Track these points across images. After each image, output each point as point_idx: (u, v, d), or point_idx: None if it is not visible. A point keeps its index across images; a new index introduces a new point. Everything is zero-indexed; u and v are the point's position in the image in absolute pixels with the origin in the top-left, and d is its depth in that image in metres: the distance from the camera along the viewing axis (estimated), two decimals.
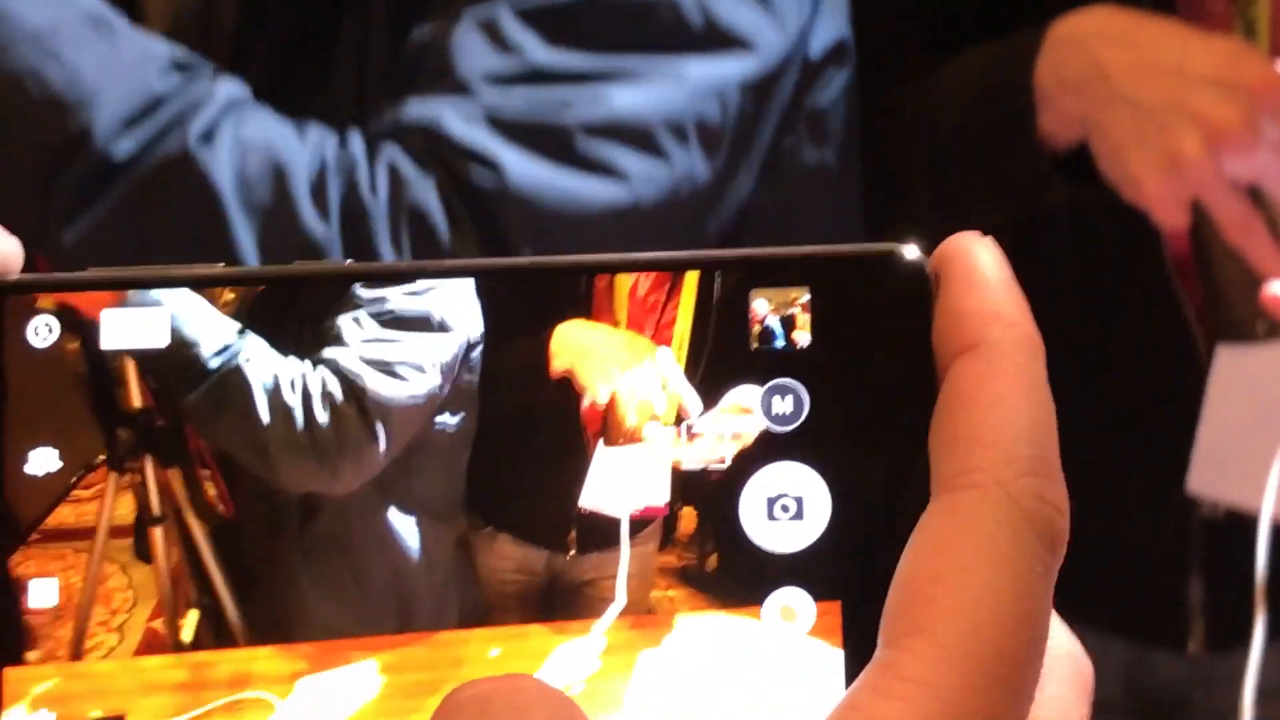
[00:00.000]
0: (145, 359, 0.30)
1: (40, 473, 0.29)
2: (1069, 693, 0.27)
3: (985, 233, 0.94)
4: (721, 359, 0.28)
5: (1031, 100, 0.97)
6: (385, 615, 0.30)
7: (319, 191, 0.86)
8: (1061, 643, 0.28)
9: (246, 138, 0.87)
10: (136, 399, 0.30)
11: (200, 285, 0.31)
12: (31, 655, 0.28)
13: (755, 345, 0.28)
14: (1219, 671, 1.12)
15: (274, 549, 0.30)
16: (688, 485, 0.29)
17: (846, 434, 0.28)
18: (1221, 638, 1.13)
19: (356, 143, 0.88)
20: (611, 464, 0.29)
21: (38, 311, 0.29)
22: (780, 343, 0.28)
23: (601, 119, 0.85)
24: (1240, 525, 1.05)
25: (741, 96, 0.91)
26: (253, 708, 0.28)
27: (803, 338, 0.28)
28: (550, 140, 0.85)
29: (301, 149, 0.88)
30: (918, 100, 1.09)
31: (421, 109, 0.86)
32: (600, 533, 0.29)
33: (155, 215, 0.86)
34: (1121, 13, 0.98)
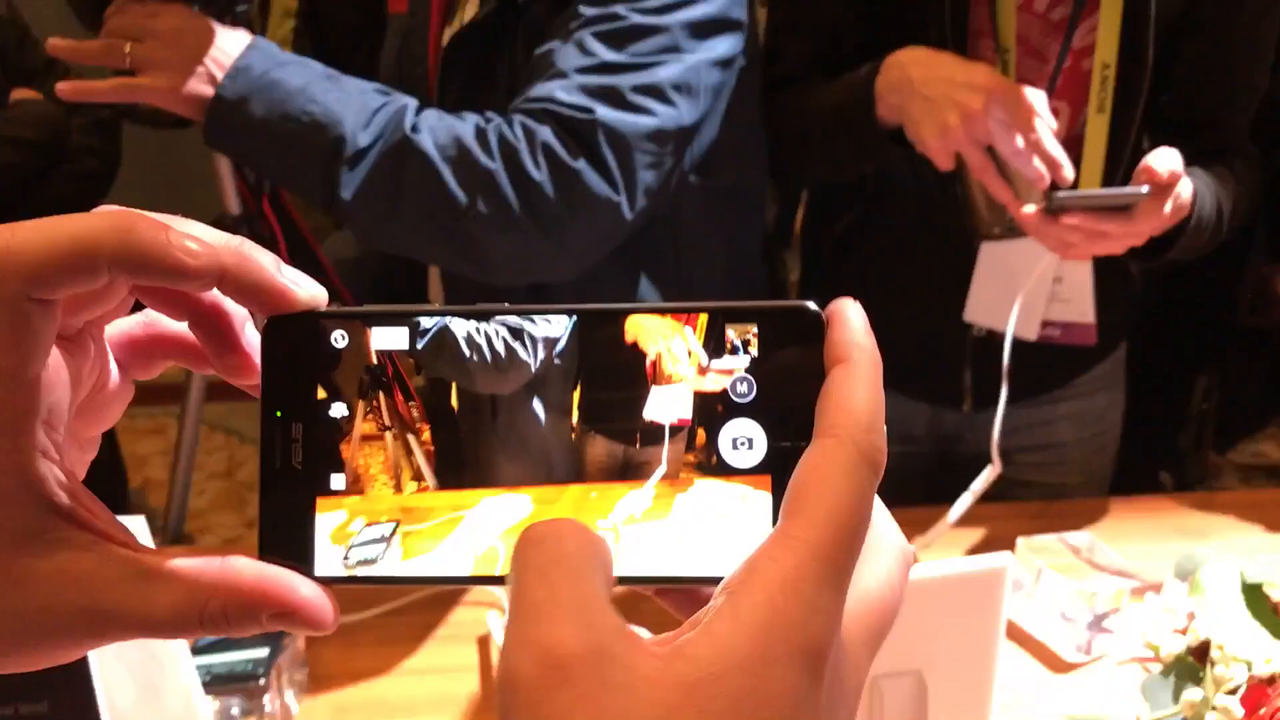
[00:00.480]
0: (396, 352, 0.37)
1: (338, 416, 0.37)
2: (894, 568, 0.35)
3: (849, 181, 1.39)
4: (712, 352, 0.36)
5: (873, 98, 1.29)
6: (536, 472, 0.37)
7: (483, 142, 1.14)
8: (894, 537, 0.36)
9: (433, 123, 1.15)
10: (372, 358, 0.37)
11: (435, 315, 0.37)
12: (340, 494, 0.37)
13: (727, 354, 0.36)
14: (980, 422, 1.50)
15: (478, 433, 0.37)
16: (700, 410, 0.36)
17: (778, 405, 0.35)
18: (982, 403, 1.50)
19: (495, 116, 1.16)
20: (660, 394, 0.36)
21: (337, 328, 0.37)
22: (741, 353, 0.36)
23: (641, 84, 1.16)
24: (994, 338, 1.40)
25: (717, 69, 1.22)
26: (455, 522, 0.37)
27: (755, 350, 0.36)
28: (616, 97, 1.16)
29: (465, 123, 1.16)
30: (812, 97, 1.40)
31: (541, 90, 1.16)
32: (656, 435, 0.36)
33: (394, 175, 1.14)
34: (926, 50, 1.28)
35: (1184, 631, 0.94)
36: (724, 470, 0.37)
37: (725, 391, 0.36)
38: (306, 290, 0.36)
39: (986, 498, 1.33)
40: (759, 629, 0.29)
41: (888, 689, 1.00)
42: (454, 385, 0.38)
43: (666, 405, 0.37)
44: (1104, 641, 1.19)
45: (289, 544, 0.37)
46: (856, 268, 1.55)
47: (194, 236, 0.33)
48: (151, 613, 0.34)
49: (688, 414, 0.36)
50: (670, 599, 0.37)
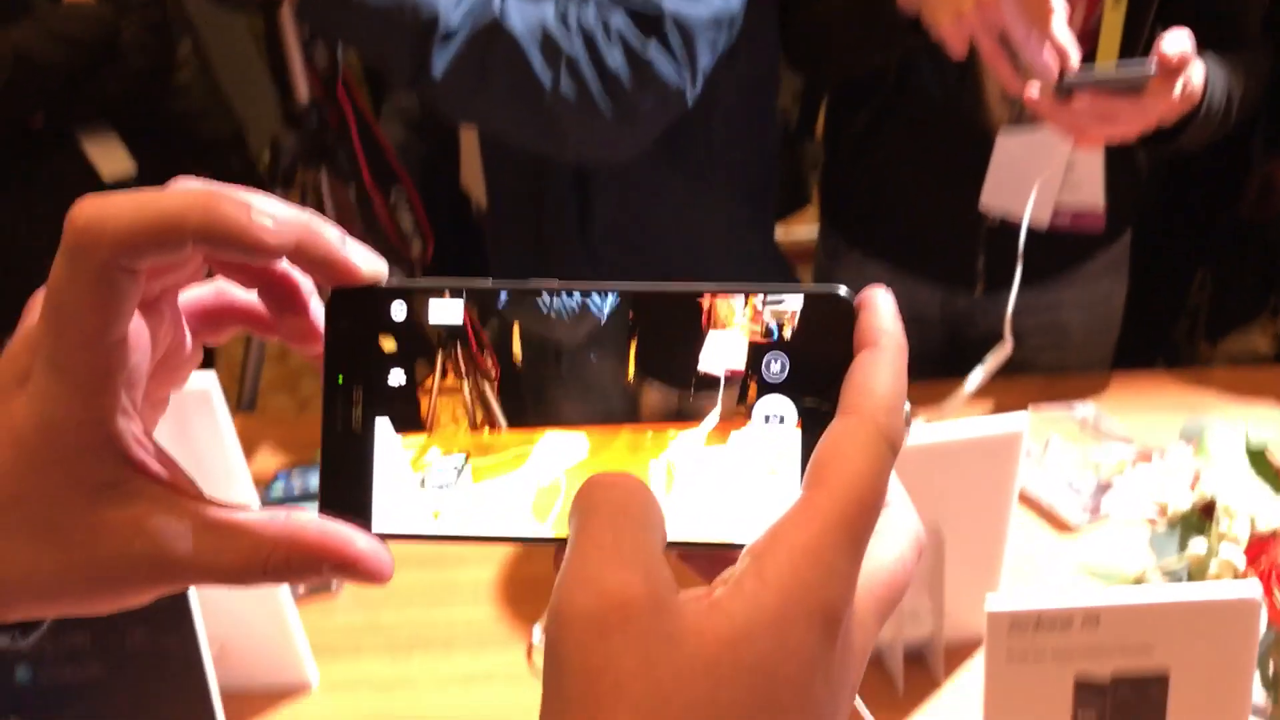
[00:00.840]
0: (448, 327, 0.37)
1: (396, 382, 0.37)
2: (907, 547, 0.35)
3: (869, 74, 1.35)
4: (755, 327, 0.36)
5: None
6: (596, 415, 0.37)
7: (565, 27, 1.14)
8: (911, 520, 0.35)
9: (519, 7, 1.14)
10: (430, 329, 0.38)
11: (479, 292, 0.37)
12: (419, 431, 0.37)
13: (763, 332, 0.36)
14: (990, 305, 1.50)
15: (544, 380, 0.37)
16: (752, 360, 0.36)
17: (808, 382, 0.36)
18: (993, 287, 1.49)
19: (571, 1, 1.16)
20: (714, 342, 0.36)
21: (396, 300, 0.37)
22: (776, 334, 0.36)
23: None
24: (1007, 226, 1.39)
25: None
26: (523, 456, 0.37)
27: (789, 331, 0.36)
28: None
29: (546, 8, 1.15)
30: None
31: None
32: (710, 383, 0.36)
33: (482, 56, 1.14)
34: None
35: (1191, 489, 0.94)
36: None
37: (768, 353, 0.36)
38: (369, 264, 0.36)
39: (996, 374, 1.32)
40: (782, 589, 0.30)
41: None
42: (518, 335, 0.37)
43: (720, 354, 0.36)
44: (1110, 503, 1.20)
45: (348, 501, 0.37)
46: (877, 159, 1.53)
47: (271, 214, 0.33)
48: (218, 563, 0.34)
49: (740, 363, 0.36)
50: (692, 561, 0.37)
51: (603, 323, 0.37)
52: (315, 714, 1.05)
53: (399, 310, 0.37)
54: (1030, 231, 1.30)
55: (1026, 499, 1.24)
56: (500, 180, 1.37)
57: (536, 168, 1.27)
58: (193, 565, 0.34)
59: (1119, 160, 1.42)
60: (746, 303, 0.36)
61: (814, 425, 0.35)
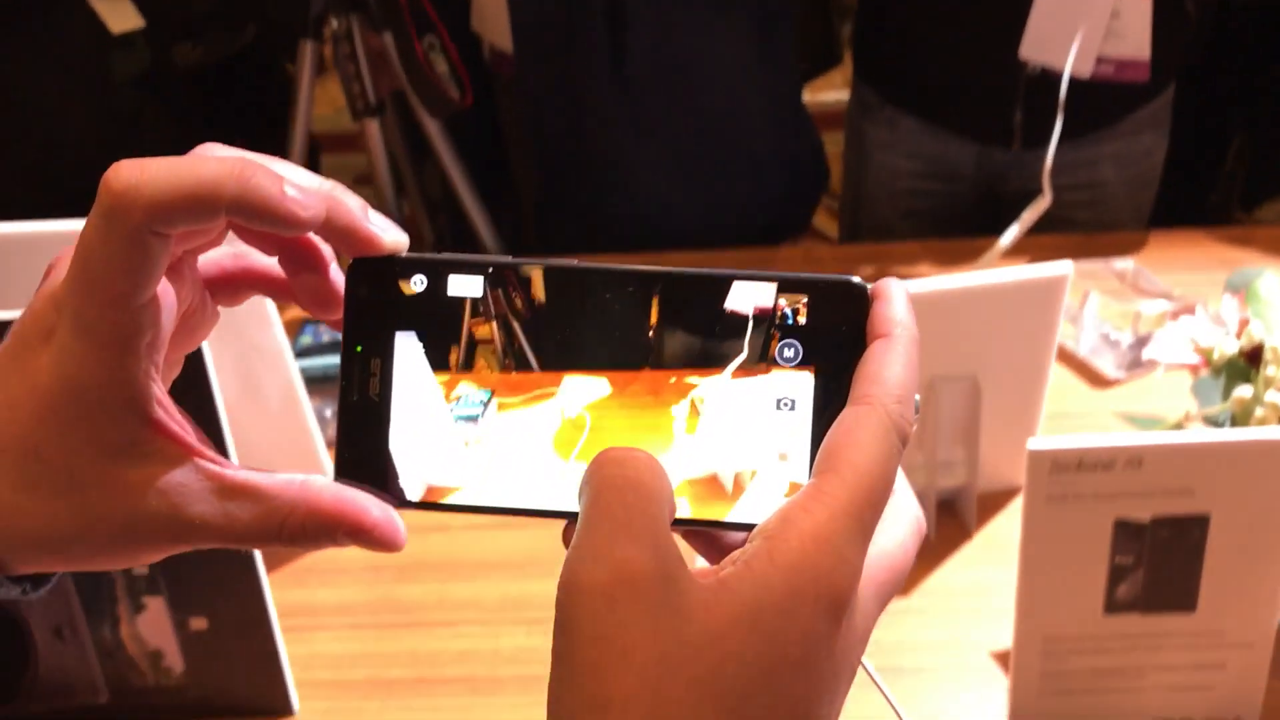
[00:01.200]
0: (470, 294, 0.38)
1: (413, 352, 0.38)
2: (908, 534, 0.36)
3: None
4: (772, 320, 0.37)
5: None
6: (615, 359, 0.37)
7: None
8: (911, 507, 0.37)
9: None
10: (448, 302, 0.38)
11: (503, 267, 0.38)
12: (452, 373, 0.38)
13: (778, 322, 0.36)
14: (1027, 160, 1.50)
15: (564, 351, 0.38)
16: (766, 331, 0.37)
17: (820, 369, 0.36)
18: (1030, 142, 1.49)
19: None
20: (744, 283, 0.37)
21: (416, 272, 0.38)
22: (790, 321, 0.36)
23: None
24: (1046, 78, 1.39)
25: None
26: (548, 396, 0.38)
27: (803, 319, 0.36)
28: None
29: None
30: None
31: None
32: (737, 326, 0.37)
33: None
34: None
35: (1238, 336, 0.93)
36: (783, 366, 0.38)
37: (782, 339, 0.37)
38: (390, 236, 0.37)
39: (1031, 231, 1.31)
40: (792, 572, 0.31)
41: (944, 391, 1.00)
42: (538, 308, 0.38)
43: (749, 294, 0.37)
44: (1151, 353, 1.19)
45: (364, 469, 0.38)
46: (912, 8, 1.50)
47: (303, 187, 0.34)
48: (232, 526, 0.35)
49: (769, 303, 0.37)
50: (694, 540, 0.38)
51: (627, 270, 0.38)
52: (350, 557, 1.06)
53: (419, 281, 0.38)
54: (1070, 84, 1.27)
55: (1063, 354, 1.24)
56: (528, 16, 1.34)
57: (568, 2, 1.24)
58: (208, 527, 0.35)
59: (1166, 7, 1.38)
60: (763, 289, 0.37)
61: (825, 411, 0.36)
